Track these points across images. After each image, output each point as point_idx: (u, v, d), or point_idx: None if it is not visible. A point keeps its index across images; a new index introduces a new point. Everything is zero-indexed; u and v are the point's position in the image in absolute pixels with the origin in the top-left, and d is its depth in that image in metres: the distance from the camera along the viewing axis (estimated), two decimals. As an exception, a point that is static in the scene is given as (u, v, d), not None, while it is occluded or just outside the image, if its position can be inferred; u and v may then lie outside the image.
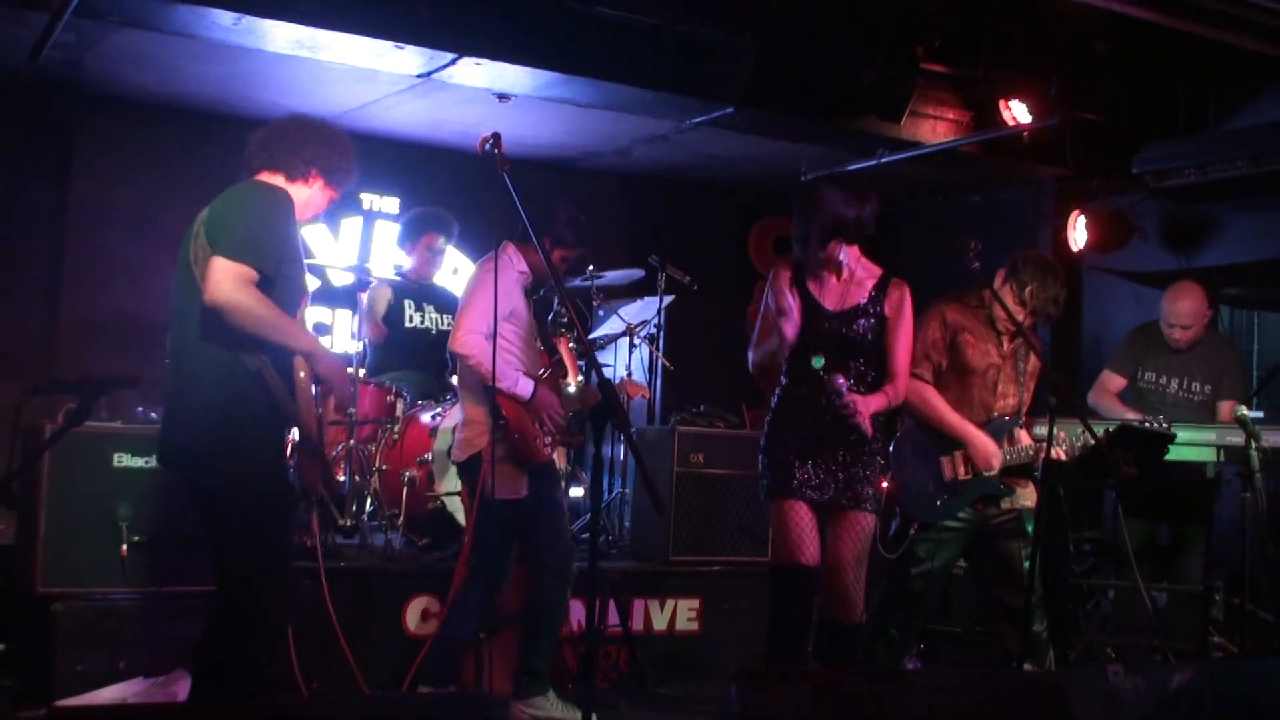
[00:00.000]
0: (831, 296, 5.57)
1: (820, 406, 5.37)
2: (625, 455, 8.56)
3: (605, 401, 4.11)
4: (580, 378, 7.61)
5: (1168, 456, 6.37)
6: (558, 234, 6.12)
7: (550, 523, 6.13)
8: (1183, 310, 7.53)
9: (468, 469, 6.13)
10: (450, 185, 9.50)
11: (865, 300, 5.55)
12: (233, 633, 4.72)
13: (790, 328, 5.46)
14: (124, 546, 6.09)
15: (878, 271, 5.63)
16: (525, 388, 5.95)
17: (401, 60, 7.46)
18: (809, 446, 5.49)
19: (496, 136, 4.75)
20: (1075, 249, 9.39)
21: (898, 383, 5.57)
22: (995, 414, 6.20)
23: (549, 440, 6.07)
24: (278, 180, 4.85)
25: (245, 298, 4.48)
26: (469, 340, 5.86)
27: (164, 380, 4.84)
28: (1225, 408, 7.40)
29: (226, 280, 4.46)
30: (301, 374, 4.71)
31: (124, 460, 6.16)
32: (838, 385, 5.30)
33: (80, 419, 4.21)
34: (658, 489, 4.68)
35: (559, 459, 7.51)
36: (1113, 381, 7.74)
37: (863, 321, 5.52)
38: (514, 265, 6.09)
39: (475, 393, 6.02)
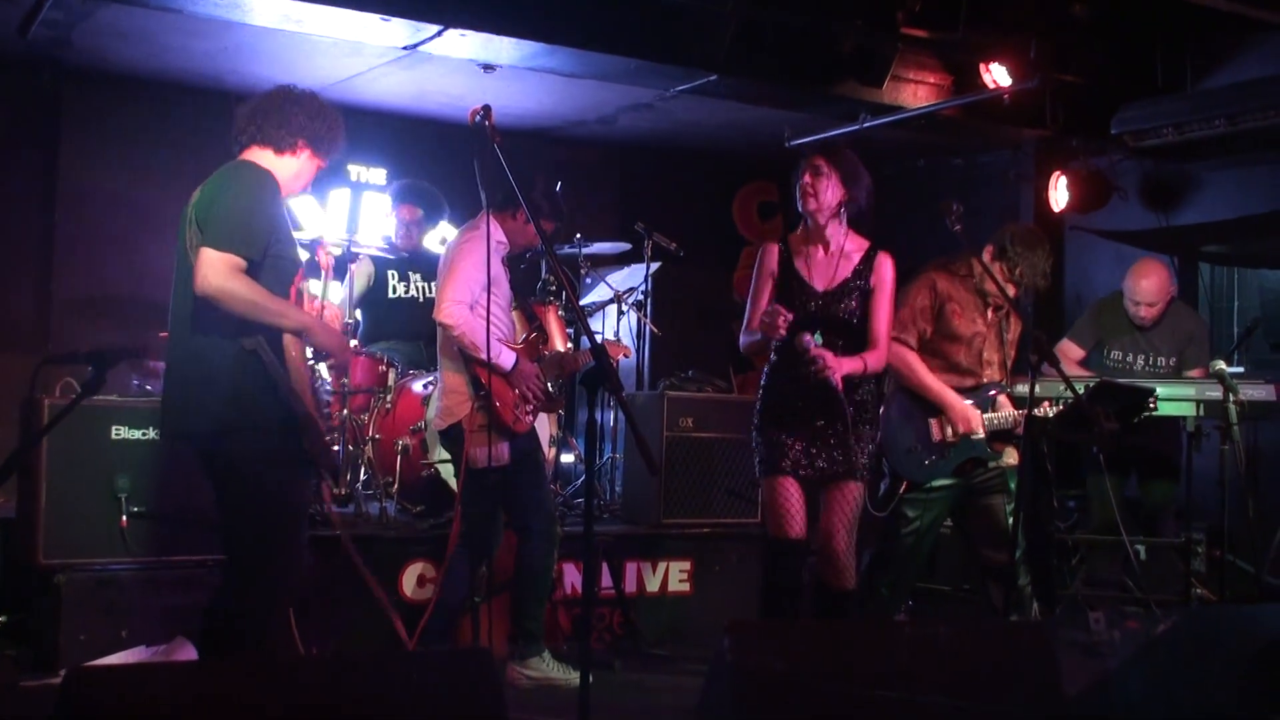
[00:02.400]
0: (821, 274, 5.65)
1: (808, 381, 5.45)
2: (615, 420, 8.64)
3: (598, 366, 4.18)
4: (570, 345, 7.68)
5: (1155, 412, 6.49)
6: (534, 204, 6.08)
7: (533, 487, 6.23)
8: (1147, 288, 7.66)
9: (449, 437, 6.23)
10: (437, 156, 9.53)
11: (852, 275, 5.64)
12: (248, 602, 4.78)
13: (776, 339, 5.50)
14: (123, 517, 6.15)
15: (865, 244, 5.71)
16: (507, 359, 6.02)
17: (387, 32, 7.52)
18: (798, 421, 5.59)
19: (487, 109, 4.78)
20: (1056, 209, 9.48)
21: (878, 349, 5.65)
22: (983, 380, 6.30)
23: (529, 409, 6.15)
24: (266, 154, 4.86)
25: (235, 286, 4.53)
26: (454, 311, 5.91)
27: (167, 363, 4.88)
28: (1194, 376, 7.51)
29: (214, 271, 4.52)
30: (293, 352, 4.77)
31: (122, 433, 6.22)
32: (805, 342, 5.38)
33: (93, 391, 4.26)
34: (650, 450, 4.76)
35: (550, 425, 7.63)
36: (1072, 350, 7.85)
37: (850, 299, 5.62)
38: (492, 235, 6.04)
39: (455, 362, 6.10)
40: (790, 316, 5.43)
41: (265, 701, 3.00)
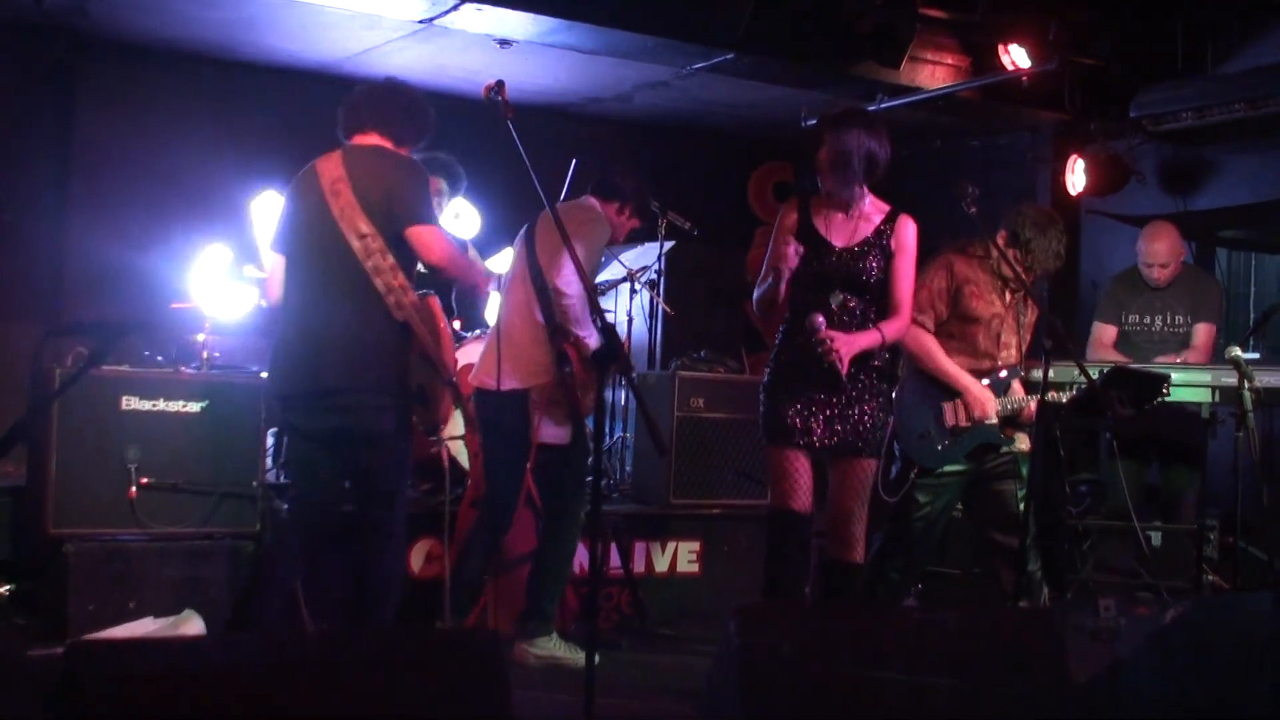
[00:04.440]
0: (840, 233, 5.57)
1: (822, 361, 5.39)
2: (625, 400, 8.62)
3: (607, 346, 4.16)
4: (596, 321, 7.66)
5: (1169, 398, 6.46)
6: (642, 207, 6.49)
7: (580, 471, 6.24)
8: (1159, 249, 7.77)
9: (504, 401, 6.12)
10: (454, 131, 9.44)
11: (872, 234, 5.57)
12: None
13: (787, 271, 5.45)
14: (133, 488, 6.17)
15: (885, 208, 5.65)
16: (595, 342, 5.99)
17: (404, 6, 7.51)
18: (808, 391, 5.51)
19: (500, 84, 4.81)
20: (1073, 193, 9.42)
21: (899, 316, 5.57)
22: (999, 363, 6.26)
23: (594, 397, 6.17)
24: (387, 144, 5.33)
25: (456, 254, 5.38)
26: (573, 280, 5.91)
27: (306, 328, 5.21)
28: (1200, 330, 7.61)
29: (442, 242, 5.23)
30: (441, 323, 5.31)
31: (132, 403, 6.23)
32: (815, 323, 5.33)
33: (97, 363, 4.35)
34: (659, 430, 4.79)
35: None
36: (1105, 332, 7.88)
37: (871, 257, 5.53)
38: (607, 225, 6.26)
39: (537, 330, 6.08)
40: (802, 248, 5.40)
41: (266, 678, 2.98)
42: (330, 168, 5.21)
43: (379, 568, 5.27)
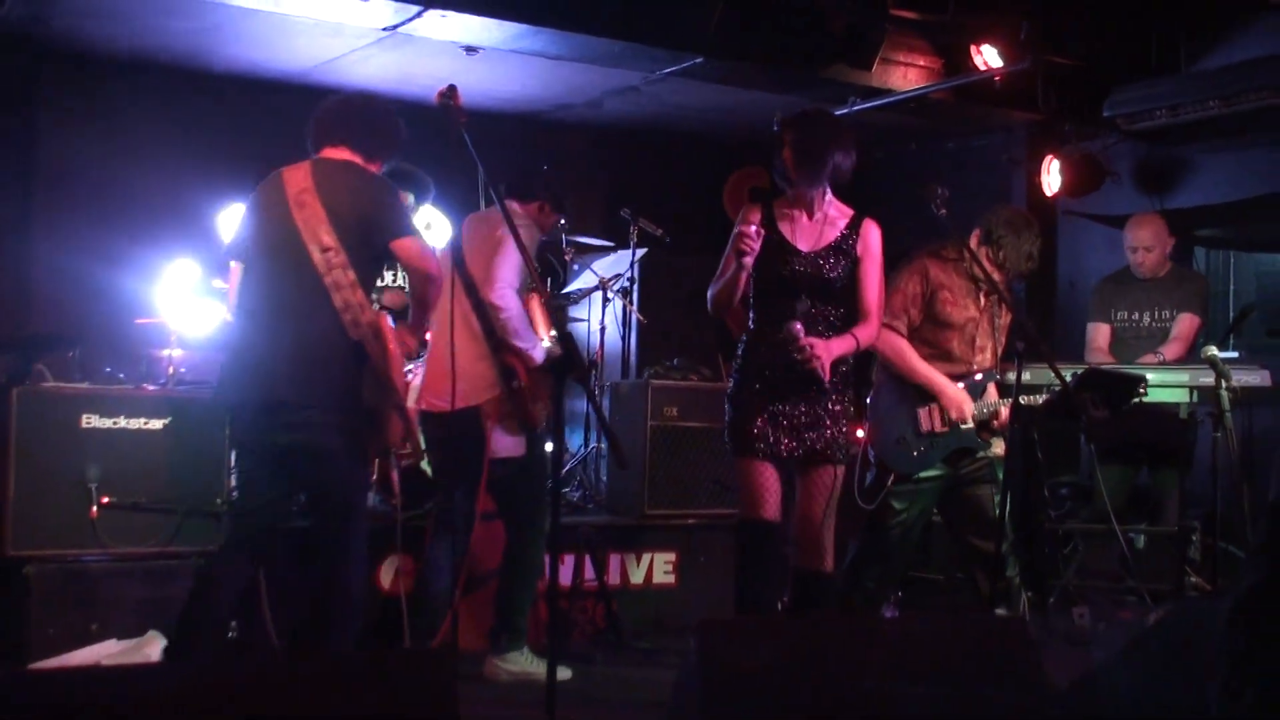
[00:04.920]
0: (805, 237, 5.51)
1: (784, 357, 5.31)
2: (603, 410, 8.51)
3: (565, 356, 4.07)
4: (554, 332, 7.58)
5: (1145, 397, 6.40)
6: (558, 201, 6.31)
7: (540, 482, 6.13)
8: (1144, 234, 7.76)
9: (452, 420, 5.97)
10: (423, 140, 9.37)
11: (838, 238, 5.50)
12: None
13: (749, 261, 5.35)
14: (94, 508, 6.05)
15: (849, 211, 5.58)
16: (540, 353, 5.97)
17: (367, 13, 7.41)
18: (775, 398, 5.43)
19: (452, 89, 4.76)
20: (1049, 193, 9.37)
21: (870, 322, 5.51)
22: (974, 367, 6.19)
23: (545, 407, 6.10)
24: (357, 159, 5.28)
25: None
26: (508, 294, 5.83)
27: (259, 342, 5.13)
28: (1181, 321, 7.56)
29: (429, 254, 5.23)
30: (392, 345, 5.16)
31: (93, 421, 6.11)
32: (794, 330, 5.25)
33: (19, 380, 4.30)
34: (619, 443, 4.73)
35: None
36: (1099, 332, 7.85)
37: (836, 261, 5.46)
38: (533, 226, 6.17)
39: (480, 345, 5.97)
40: (763, 232, 5.34)
41: (206, 702, 2.88)
42: (297, 178, 5.14)
43: (339, 585, 5.17)
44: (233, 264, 5.33)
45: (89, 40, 8.60)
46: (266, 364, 5.05)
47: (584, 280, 8.93)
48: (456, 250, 6.16)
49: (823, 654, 3.52)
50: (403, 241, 5.08)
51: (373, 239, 5.08)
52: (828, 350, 5.29)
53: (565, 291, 8.92)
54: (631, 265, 8.62)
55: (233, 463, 6.55)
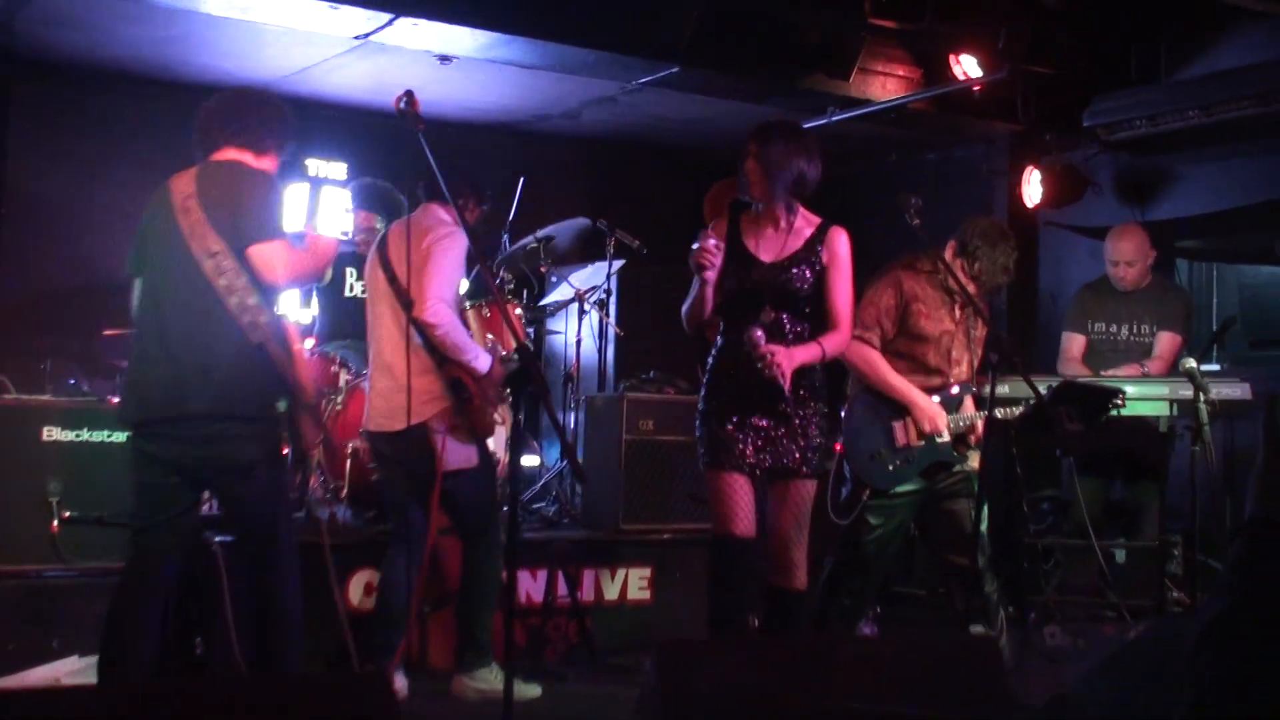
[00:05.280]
0: (769, 248, 5.43)
1: (752, 369, 5.22)
2: (576, 423, 8.43)
3: (521, 366, 3.97)
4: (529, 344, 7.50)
5: (1123, 410, 6.33)
6: (479, 193, 6.11)
7: (491, 492, 6.08)
8: (1125, 247, 7.65)
9: (404, 439, 5.89)
10: (397, 150, 9.29)
11: (803, 248, 5.41)
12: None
13: (712, 275, 5.30)
14: (55, 522, 5.96)
15: (816, 220, 5.50)
16: (484, 361, 5.85)
17: (337, 21, 7.32)
18: (744, 413, 5.34)
19: (409, 94, 4.67)
20: (1030, 204, 9.30)
21: (839, 331, 5.41)
22: (950, 380, 6.10)
23: (495, 412, 6.02)
24: (246, 156, 5.15)
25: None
26: (440, 310, 5.69)
27: (158, 348, 5.01)
28: (1163, 339, 7.50)
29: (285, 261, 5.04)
30: (297, 345, 5.11)
31: (54, 434, 6.03)
32: (754, 337, 5.16)
33: None
34: (576, 458, 4.66)
35: (505, 427, 7.42)
36: (1074, 343, 7.76)
37: (801, 270, 5.38)
38: (460, 230, 5.90)
39: (422, 361, 5.82)
40: (723, 245, 5.27)
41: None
42: (183, 184, 5.07)
43: (274, 602, 5.10)
44: (135, 281, 5.22)
45: (57, 50, 8.54)
46: (170, 377, 4.95)
47: (561, 292, 8.84)
48: (385, 263, 6.02)
49: (784, 674, 3.43)
50: (255, 248, 4.95)
51: (237, 234, 4.96)
52: (789, 357, 5.19)
53: (541, 304, 8.82)
54: (608, 277, 8.53)
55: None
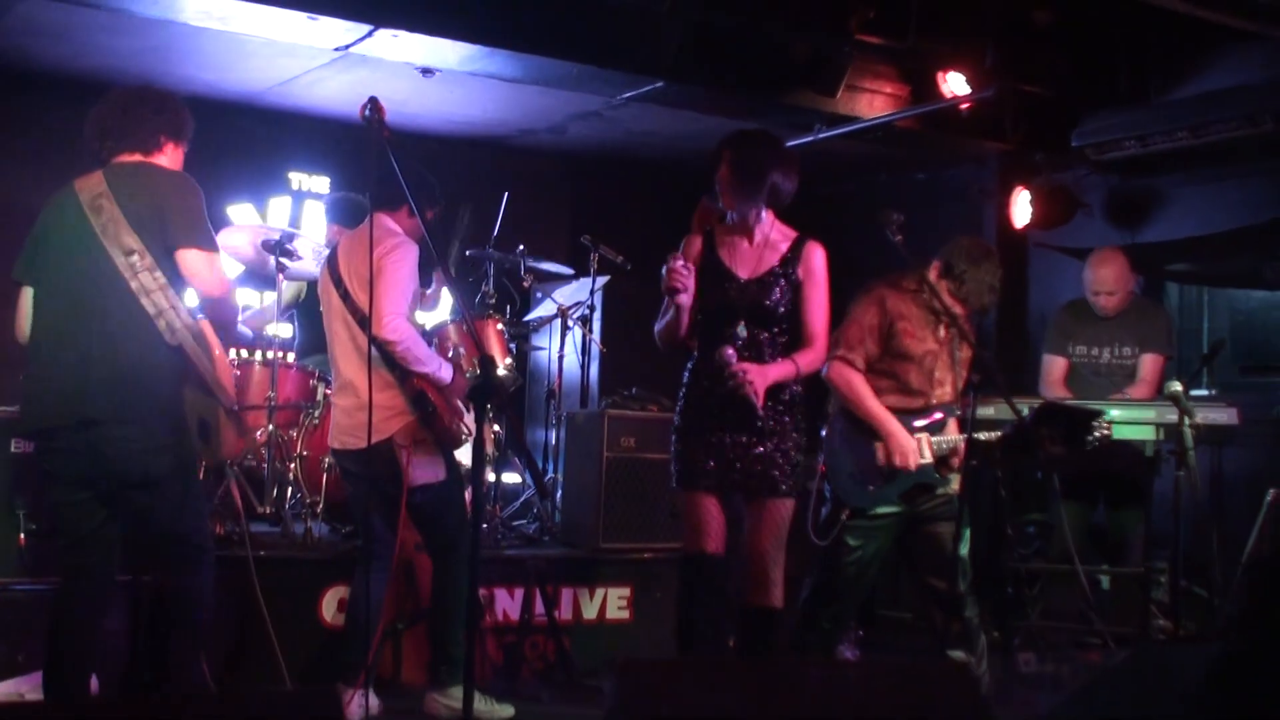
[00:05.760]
0: (745, 263, 5.37)
1: (734, 395, 5.15)
2: (557, 439, 8.34)
3: (483, 380, 3.88)
4: (510, 359, 7.41)
5: (1111, 438, 6.24)
6: (429, 196, 5.93)
7: (459, 507, 5.96)
8: (1105, 276, 7.57)
9: (370, 456, 5.71)
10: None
11: (779, 263, 5.35)
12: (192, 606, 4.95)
13: (686, 298, 5.25)
14: (21, 535, 5.86)
15: (792, 234, 5.44)
16: (447, 372, 5.76)
17: (317, 33, 7.26)
18: (719, 430, 5.29)
19: (373, 101, 4.57)
20: (1019, 225, 9.24)
21: (814, 347, 5.36)
22: (934, 401, 6.01)
23: (462, 423, 5.90)
24: (134, 158, 4.97)
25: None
26: (398, 325, 5.55)
27: (64, 351, 4.81)
28: (1146, 361, 7.43)
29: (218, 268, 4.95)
30: (217, 351, 4.92)
31: (22, 446, 5.90)
32: (726, 356, 5.10)
33: None
34: (538, 472, 4.56)
35: (488, 444, 7.34)
36: (1055, 365, 7.68)
37: (777, 287, 5.31)
38: (411, 239, 5.82)
39: (383, 375, 5.70)
40: (692, 267, 5.21)
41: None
42: (90, 184, 4.89)
43: (185, 617, 4.93)
44: (22, 289, 5.03)
45: (35, 59, 8.48)
46: (74, 381, 4.74)
47: (544, 308, 8.77)
48: (335, 278, 5.92)
49: (752, 698, 3.33)
50: (186, 252, 4.81)
51: (164, 237, 4.80)
52: (762, 375, 5.14)
53: (525, 319, 8.75)
54: (592, 293, 8.45)
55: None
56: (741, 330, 5.23)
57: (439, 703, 5.88)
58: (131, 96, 5.05)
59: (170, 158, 5.04)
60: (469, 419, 5.91)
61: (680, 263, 5.19)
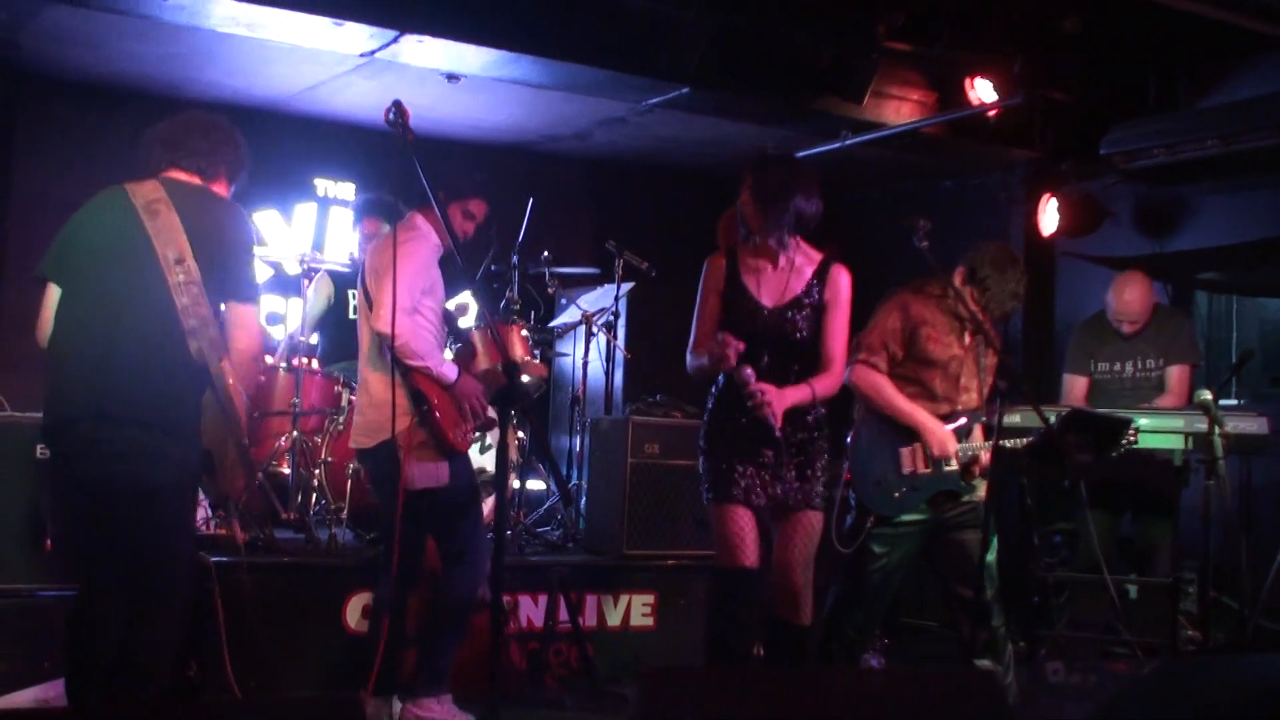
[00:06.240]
0: (770, 290, 5.34)
1: (754, 416, 5.11)
2: (581, 445, 8.33)
3: (509, 385, 3.85)
4: (534, 358, 7.41)
5: (1136, 445, 6.18)
6: (460, 189, 5.84)
7: (466, 512, 5.83)
8: (1130, 303, 7.52)
9: (376, 457, 5.75)
10: (403, 170, 9.24)
11: (803, 290, 5.32)
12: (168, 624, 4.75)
13: (725, 366, 5.17)
14: (48, 540, 5.86)
15: (818, 257, 5.40)
16: (450, 371, 5.65)
17: (343, 38, 7.27)
18: (747, 449, 5.26)
19: (398, 105, 4.53)
20: (1046, 234, 9.18)
21: (831, 372, 5.32)
22: (959, 407, 5.97)
23: (471, 428, 5.80)
24: (194, 181, 4.89)
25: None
26: (397, 320, 5.45)
27: (116, 355, 4.64)
28: (1174, 373, 7.36)
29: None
30: (230, 379, 4.73)
31: (48, 452, 5.89)
32: (745, 376, 5.07)
33: None
34: (563, 480, 4.50)
35: (511, 450, 7.31)
36: (1076, 385, 7.64)
37: (801, 315, 5.29)
38: (429, 236, 5.72)
39: (387, 373, 5.65)
40: (741, 347, 5.12)
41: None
42: (145, 190, 4.75)
43: (144, 645, 4.69)
44: (48, 287, 4.85)
45: (64, 66, 8.52)
46: (96, 375, 4.60)
47: (569, 314, 8.76)
48: (362, 278, 5.92)
49: (776, 706, 3.31)
50: (240, 306, 4.76)
51: (223, 280, 4.72)
52: (780, 398, 5.12)
53: (549, 326, 8.74)
54: (616, 300, 8.44)
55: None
56: (764, 358, 5.22)
57: (411, 712, 5.74)
58: (206, 121, 4.97)
59: (222, 190, 4.97)
60: (469, 426, 5.79)
61: (732, 349, 5.08)
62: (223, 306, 4.76)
